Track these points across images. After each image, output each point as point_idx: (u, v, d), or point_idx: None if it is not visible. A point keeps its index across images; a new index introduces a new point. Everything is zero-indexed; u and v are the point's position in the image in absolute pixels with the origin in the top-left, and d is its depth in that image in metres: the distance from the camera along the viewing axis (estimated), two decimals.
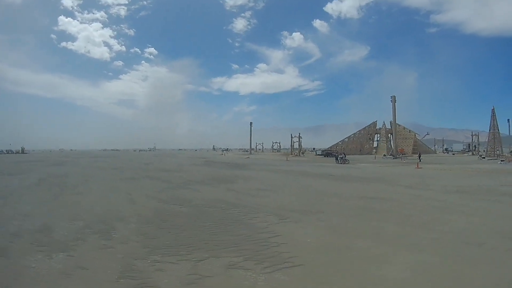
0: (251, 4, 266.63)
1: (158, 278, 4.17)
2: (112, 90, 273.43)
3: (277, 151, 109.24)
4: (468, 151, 64.28)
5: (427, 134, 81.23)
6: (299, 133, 74.10)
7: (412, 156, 50.87)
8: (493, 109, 39.72)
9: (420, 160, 36.20)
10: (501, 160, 30.32)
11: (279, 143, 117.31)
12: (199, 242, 5.64)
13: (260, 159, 53.08)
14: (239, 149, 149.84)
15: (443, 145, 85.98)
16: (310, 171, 23.79)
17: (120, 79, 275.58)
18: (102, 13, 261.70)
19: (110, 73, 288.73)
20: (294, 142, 75.82)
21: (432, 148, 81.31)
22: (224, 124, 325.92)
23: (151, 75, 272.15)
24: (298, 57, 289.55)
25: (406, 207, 9.11)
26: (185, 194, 11.69)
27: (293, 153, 73.22)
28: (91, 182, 16.26)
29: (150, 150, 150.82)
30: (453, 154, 60.24)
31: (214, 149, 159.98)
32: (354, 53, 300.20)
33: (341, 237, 6.07)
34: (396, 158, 46.42)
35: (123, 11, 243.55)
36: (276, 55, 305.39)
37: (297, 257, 4.86)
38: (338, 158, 36.05)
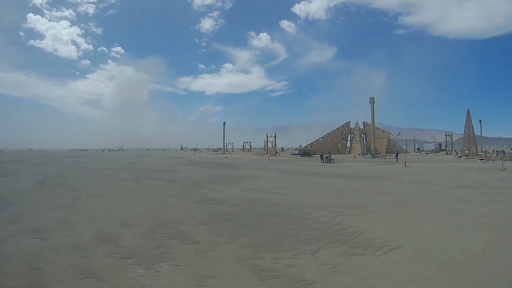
0: (219, 4, 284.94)
1: (297, 273, 4.50)
2: (79, 90, 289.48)
3: (248, 150, 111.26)
4: (440, 151, 70.57)
5: (399, 134, 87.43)
6: (275, 133, 76.05)
7: (390, 155, 54.74)
8: (468, 110, 44.75)
9: (397, 160, 39.50)
10: (481, 159, 34.32)
11: (250, 142, 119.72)
12: (289, 237, 6.28)
13: (240, 158, 53.96)
14: (206, 148, 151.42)
15: (414, 144, 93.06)
16: (305, 170, 25.19)
17: (87, 78, 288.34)
18: (71, 11, 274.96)
19: (77, 72, 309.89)
20: (267, 142, 78.58)
21: (404, 148, 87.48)
22: (190, 124, 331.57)
23: (118, 75, 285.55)
24: (265, 58, 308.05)
25: (430, 200, 10.70)
26: (210, 194, 12.19)
27: (268, 152, 75.13)
28: (96, 183, 16.00)
29: (118, 150, 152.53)
30: (427, 154, 66.05)
31: (182, 148, 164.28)
32: (321, 54, 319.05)
33: (403, 224, 7.28)
34: (374, 157, 49.84)
35: (91, 9, 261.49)
36: (243, 55, 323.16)
37: (389, 241, 5.91)
38: (323, 157, 38.10)
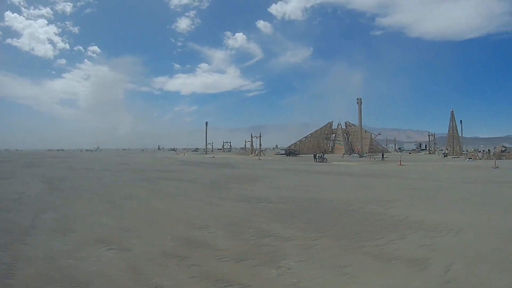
0: (195, 4, 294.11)
1: (408, 253, 5.29)
2: (55, 89, 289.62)
3: (228, 150, 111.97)
4: (420, 150, 74.63)
5: (379, 134, 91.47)
6: (260, 133, 77.08)
7: (377, 154, 57.35)
8: (452, 111, 48.16)
9: (383, 159, 41.82)
10: (469, 158, 37.15)
11: (230, 142, 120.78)
12: (365, 228, 7.26)
13: (228, 158, 54.68)
14: (184, 148, 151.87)
15: (395, 144, 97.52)
16: (308, 169, 26.36)
17: (63, 77, 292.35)
18: (48, 9, 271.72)
19: (53, 72, 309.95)
20: (247, 142, 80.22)
21: (385, 147, 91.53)
22: (165, 124, 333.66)
23: (94, 74, 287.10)
24: (240, 58, 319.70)
25: (452, 193, 12.21)
26: (245, 193, 12.74)
27: (253, 152, 76.20)
28: (112, 185, 15.73)
29: (95, 150, 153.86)
30: (410, 153, 69.67)
31: (159, 149, 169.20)
32: (297, 54, 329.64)
33: (448, 213, 8.50)
34: (361, 156, 52.15)
35: (68, 8, 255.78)
36: (218, 55, 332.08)
37: (449, 226, 7.07)
38: (317, 157, 39.61)
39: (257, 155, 70.41)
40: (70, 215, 8.84)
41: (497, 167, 24.51)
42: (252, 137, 79.69)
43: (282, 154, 67.26)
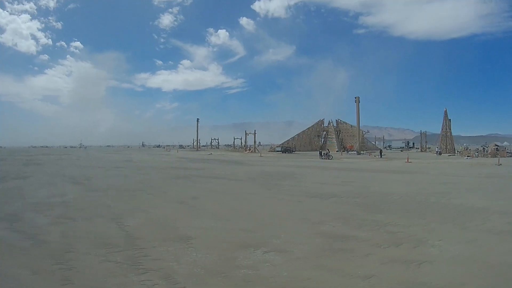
0: (179, 0, 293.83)
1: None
2: (37, 86, 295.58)
3: (217, 147, 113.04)
4: (410, 148, 78.18)
5: (367, 131, 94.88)
6: (255, 130, 78.40)
7: (374, 152, 59.97)
8: (445, 110, 51.22)
9: (381, 156, 44.17)
10: (468, 156, 39.86)
11: (218, 139, 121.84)
12: (455, 217, 8.94)
13: (227, 155, 55.81)
14: (167, 145, 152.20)
15: (383, 142, 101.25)
16: (321, 165, 28.01)
17: (45, 74, 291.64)
18: (32, 4, 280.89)
19: (35, 68, 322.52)
20: (236, 139, 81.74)
21: (374, 145, 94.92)
22: (147, 121, 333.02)
23: (76, 70, 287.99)
24: (222, 55, 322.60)
25: (484, 187, 14.26)
26: (302, 189, 14.17)
27: (248, 149, 77.54)
28: (155, 185, 15.73)
29: (80, 147, 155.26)
30: (401, 151, 72.78)
31: (143, 145, 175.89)
32: (280, 52, 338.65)
33: (497, 200, 10.31)
34: (359, 154, 54.49)
35: (52, 3, 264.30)
36: (200, 52, 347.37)
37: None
38: (322, 154, 41.45)
39: (251, 152, 71.74)
40: (162, 220, 8.24)
41: (501, 164, 26.95)
42: (246, 134, 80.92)
43: (278, 151, 68.84)
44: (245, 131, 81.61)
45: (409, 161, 32.25)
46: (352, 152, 60.60)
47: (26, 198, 12.00)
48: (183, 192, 13.38)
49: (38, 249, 6.01)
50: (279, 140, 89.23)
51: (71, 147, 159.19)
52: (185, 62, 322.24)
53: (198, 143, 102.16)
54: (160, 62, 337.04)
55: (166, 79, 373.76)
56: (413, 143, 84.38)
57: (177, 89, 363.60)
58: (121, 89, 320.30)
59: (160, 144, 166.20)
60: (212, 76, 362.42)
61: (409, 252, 5.69)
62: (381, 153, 47.60)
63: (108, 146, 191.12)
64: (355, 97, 55.52)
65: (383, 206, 9.89)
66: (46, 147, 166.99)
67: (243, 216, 8.78)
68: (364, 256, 5.47)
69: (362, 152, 57.00)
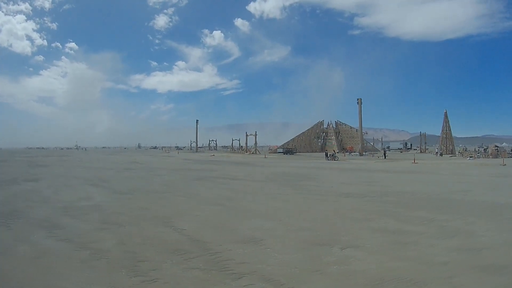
0: (174, 1, 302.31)
1: None
2: (32, 87, 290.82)
3: (214, 149, 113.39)
4: (408, 149, 79.20)
5: (366, 133, 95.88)
6: (255, 131, 78.72)
7: (375, 152, 60.78)
8: (446, 112, 52.19)
9: (385, 157, 44.87)
10: (470, 156, 40.80)
11: (216, 141, 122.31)
12: (490, 212, 9.72)
13: (230, 156, 56.33)
14: (164, 147, 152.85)
15: (381, 143, 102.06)
16: (331, 167, 28.59)
17: (40, 75, 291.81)
18: (27, 4, 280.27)
19: (30, 69, 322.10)
20: (234, 140, 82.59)
21: (372, 145, 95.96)
22: (142, 122, 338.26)
23: (71, 72, 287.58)
24: (217, 56, 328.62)
25: (498, 185, 15.21)
26: (329, 190, 14.84)
27: (248, 150, 77.93)
28: (181, 186, 15.84)
29: (77, 148, 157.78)
30: (401, 152, 73.72)
31: (139, 147, 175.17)
32: (275, 53, 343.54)
33: None
34: (361, 155, 55.20)
35: (47, 4, 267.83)
36: (195, 53, 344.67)
37: None
38: (328, 155, 42.04)
39: (252, 153, 72.14)
40: (215, 222, 8.25)
41: (505, 165, 27.78)
42: (246, 135, 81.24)
43: (280, 152, 69.34)
44: (246, 132, 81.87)
45: (415, 162, 32.93)
46: (354, 153, 61.35)
47: (51, 202, 11.63)
48: (212, 193, 13.53)
49: (102, 260, 5.55)
50: (275, 141, 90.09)
51: (67, 148, 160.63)
52: (180, 63, 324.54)
53: (191, 144, 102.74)
54: (155, 63, 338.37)
55: (161, 80, 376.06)
56: (411, 144, 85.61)
57: (172, 90, 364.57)
58: (116, 90, 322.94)
59: (157, 146, 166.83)
60: (207, 77, 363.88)
61: (465, 242, 6.40)
62: (385, 154, 48.34)
63: (103, 147, 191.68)
64: (357, 99, 56.49)
65: (417, 204, 10.58)
66: (42, 148, 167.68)
67: (294, 216, 8.94)
68: (430, 247, 6.10)
69: (364, 153, 57.73)
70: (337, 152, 67.19)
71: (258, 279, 4.65)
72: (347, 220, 8.35)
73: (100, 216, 9.19)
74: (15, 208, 10.31)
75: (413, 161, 33.54)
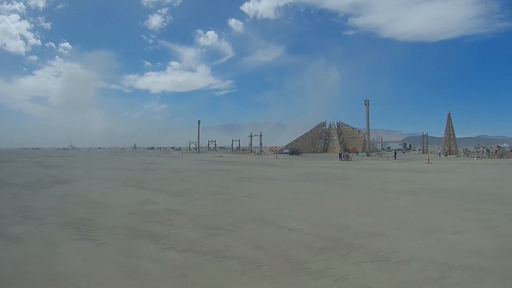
0: (168, 1, 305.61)
1: None
2: (26, 86, 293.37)
3: (214, 149, 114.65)
4: (407, 150, 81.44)
5: (364, 134, 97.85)
6: (261, 132, 79.86)
7: (383, 153, 62.46)
8: (449, 113, 54.20)
9: (395, 158, 46.44)
10: (477, 157, 42.61)
11: (215, 141, 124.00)
12: None
13: (241, 157, 57.36)
14: (158, 147, 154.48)
15: (381, 144, 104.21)
16: (359, 167, 29.96)
17: (34, 74, 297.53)
18: (21, 4, 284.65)
19: (24, 68, 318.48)
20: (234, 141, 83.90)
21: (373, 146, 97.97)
22: (135, 122, 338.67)
23: (65, 71, 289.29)
24: (211, 56, 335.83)
25: None
26: (381, 187, 16.39)
27: (253, 151, 79.03)
28: (231, 187, 15.70)
29: (72, 149, 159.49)
30: (403, 152, 75.74)
31: (135, 147, 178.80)
32: (268, 53, 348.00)
33: None
34: (368, 155, 56.82)
35: (41, 3, 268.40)
36: (189, 53, 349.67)
37: None
38: (342, 156, 43.48)
39: (257, 154, 73.24)
40: (318, 220, 8.51)
41: None
42: (251, 136, 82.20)
43: (286, 153, 70.48)
44: (250, 133, 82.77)
45: (429, 162, 34.54)
46: (361, 154, 62.94)
47: (112, 207, 10.68)
48: (276, 193, 13.65)
49: (263, 267, 5.29)
50: (270, 141, 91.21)
51: (63, 149, 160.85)
52: (174, 63, 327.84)
53: (191, 145, 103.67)
54: (149, 63, 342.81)
55: (155, 81, 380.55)
56: (410, 145, 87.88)
57: (165, 91, 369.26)
58: (110, 90, 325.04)
59: (154, 146, 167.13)
60: (200, 78, 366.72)
61: None
62: (395, 155, 49.75)
63: (99, 148, 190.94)
64: (365, 100, 58.25)
65: (467, 199, 12.05)
66: (38, 148, 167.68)
67: (385, 211, 9.74)
68: None
69: (371, 154, 59.38)
70: (353, 154, 68.85)
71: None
72: (432, 213, 9.51)
73: (191, 221, 8.54)
74: (79, 216, 9.26)
75: (426, 161, 35.15)
